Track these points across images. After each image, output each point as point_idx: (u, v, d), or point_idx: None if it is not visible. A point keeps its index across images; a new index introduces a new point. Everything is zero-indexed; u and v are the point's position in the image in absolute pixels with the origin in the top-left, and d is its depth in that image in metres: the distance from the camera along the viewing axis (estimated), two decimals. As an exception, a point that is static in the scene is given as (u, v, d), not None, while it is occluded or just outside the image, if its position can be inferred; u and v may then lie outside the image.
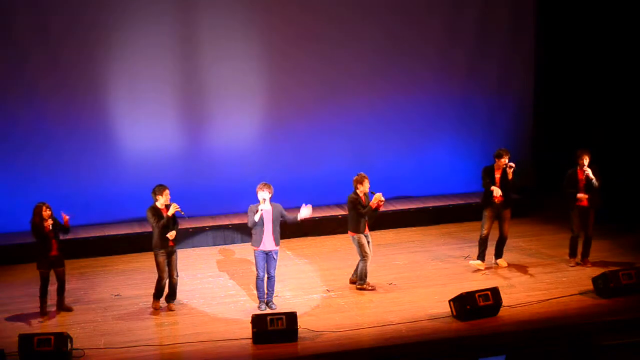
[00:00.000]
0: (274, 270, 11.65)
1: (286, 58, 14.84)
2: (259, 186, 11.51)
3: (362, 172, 12.14)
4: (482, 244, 12.83)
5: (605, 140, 16.07)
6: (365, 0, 15.04)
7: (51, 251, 11.39)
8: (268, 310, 11.39)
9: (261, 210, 11.39)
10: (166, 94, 14.47)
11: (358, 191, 12.03)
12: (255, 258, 11.62)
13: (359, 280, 12.25)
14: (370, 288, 12.21)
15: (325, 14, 14.88)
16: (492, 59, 15.83)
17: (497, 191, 12.46)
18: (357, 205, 11.97)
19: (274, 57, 14.80)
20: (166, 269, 11.58)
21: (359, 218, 12.00)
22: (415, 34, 15.34)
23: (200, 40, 14.45)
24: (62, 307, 11.65)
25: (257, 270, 11.62)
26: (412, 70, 15.45)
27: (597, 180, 12.54)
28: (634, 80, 15.85)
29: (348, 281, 12.48)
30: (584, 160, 12.62)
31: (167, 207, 11.46)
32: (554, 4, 16.11)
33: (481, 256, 12.86)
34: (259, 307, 11.65)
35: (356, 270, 12.31)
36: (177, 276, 11.75)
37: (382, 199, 11.88)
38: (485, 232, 12.71)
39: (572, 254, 13.06)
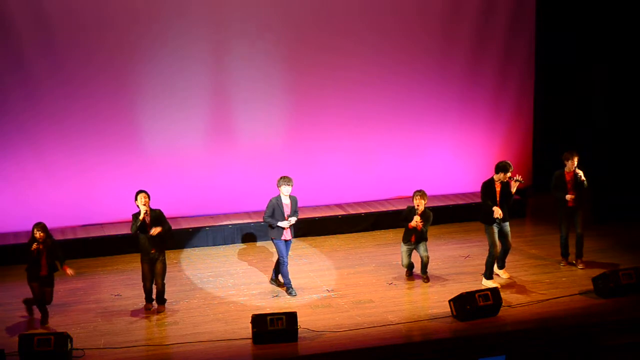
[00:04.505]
0: (288, 254, 12.23)
1: (292, 65, 14.87)
2: (284, 180, 12.01)
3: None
4: (492, 266, 12.44)
5: (605, 140, 16.09)
6: (368, 6, 15.05)
7: (40, 271, 11.25)
8: (269, 310, 11.42)
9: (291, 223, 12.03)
10: (167, 99, 14.46)
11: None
12: (276, 246, 12.12)
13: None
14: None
15: (330, 24, 14.94)
16: (492, 59, 15.81)
17: (497, 212, 12.12)
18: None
19: (283, 62, 14.83)
20: (149, 276, 11.61)
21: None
22: (413, 35, 15.33)
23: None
24: (44, 323, 11.38)
25: (280, 257, 12.12)
26: (411, 72, 15.44)
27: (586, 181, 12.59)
28: (634, 80, 15.87)
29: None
30: (574, 162, 12.61)
31: (157, 211, 11.64)
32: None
33: (490, 275, 12.45)
34: (288, 293, 12.13)
35: None
36: (163, 283, 11.69)
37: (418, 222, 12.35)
38: (497, 248, 12.28)
39: (564, 254, 13.09)
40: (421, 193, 12.37)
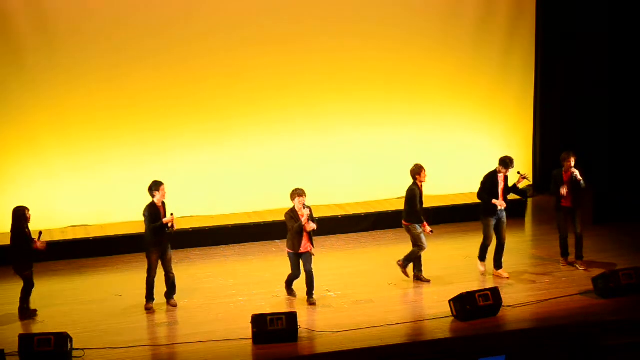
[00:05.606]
0: (311, 264, 11.81)
1: (292, 65, 14.92)
2: (297, 192, 11.61)
3: (418, 163, 12.40)
4: (486, 250, 12.66)
5: (605, 140, 16.10)
6: (367, 6, 15.05)
7: (32, 254, 11.44)
8: (269, 310, 11.41)
9: (307, 214, 11.64)
10: (167, 100, 14.49)
11: (418, 182, 12.35)
12: (290, 259, 11.84)
13: (404, 261, 12.53)
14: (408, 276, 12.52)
15: (329, 25, 14.99)
16: (492, 59, 15.83)
17: (500, 203, 12.31)
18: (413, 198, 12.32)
19: (283, 62, 14.86)
20: (156, 265, 11.63)
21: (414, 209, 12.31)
22: (413, 35, 15.34)
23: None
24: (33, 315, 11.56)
25: (292, 269, 11.86)
26: (411, 72, 15.47)
27: (583, 181, 12.60)
28: (634, 79, 15.89)
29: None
30: (571, 162, 12.63)
31: (164, 204, 11.59)
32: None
33: (482, 257, 12.71)
34: (290, 295, 12.00)
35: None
36: (173, 274, 11.76)
37: None
38: (490, 240, 12.48)
39: (564, 254, 13.09)
40: (422, 165, 12.40)
